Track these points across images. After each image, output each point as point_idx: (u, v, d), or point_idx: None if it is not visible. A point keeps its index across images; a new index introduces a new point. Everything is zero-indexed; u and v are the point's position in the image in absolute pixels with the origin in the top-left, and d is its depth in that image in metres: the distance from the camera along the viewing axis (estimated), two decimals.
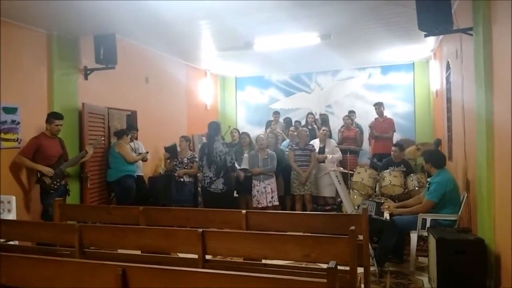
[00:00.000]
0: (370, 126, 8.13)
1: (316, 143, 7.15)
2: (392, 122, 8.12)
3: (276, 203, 6.23)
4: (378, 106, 8.15)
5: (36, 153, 4.95)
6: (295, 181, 6.60)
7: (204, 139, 8.23)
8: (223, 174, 5.69)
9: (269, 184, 6.18)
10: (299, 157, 6.64)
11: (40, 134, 5.09)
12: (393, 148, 6.35)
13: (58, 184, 5.03)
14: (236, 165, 6.21)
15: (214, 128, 5.86)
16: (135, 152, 6.37)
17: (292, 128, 7.51)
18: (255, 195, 6.19)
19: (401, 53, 8.29)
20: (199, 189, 6.41)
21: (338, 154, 7.11)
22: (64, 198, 4.89)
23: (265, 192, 6.14)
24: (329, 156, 6.99)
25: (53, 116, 5.09)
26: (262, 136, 6.55)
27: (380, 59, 8.98)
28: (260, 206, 6.08)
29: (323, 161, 6.91)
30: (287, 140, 7.53)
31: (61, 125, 5.13)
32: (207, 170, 5.70)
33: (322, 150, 7.04)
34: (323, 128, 7.46)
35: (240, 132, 7.54)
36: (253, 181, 6.24)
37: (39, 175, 4.94)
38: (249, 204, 6.41)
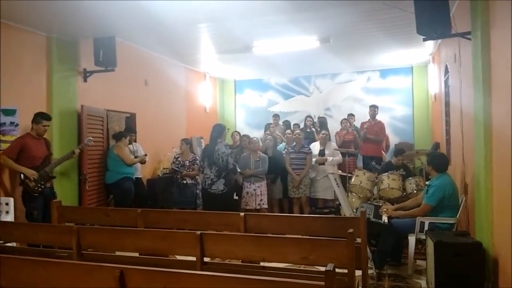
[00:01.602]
0: (366, 128, 8.02)
1: (316, 146, 7.17)
2: (383, 127, 8.10)
3: (265, 206, 6.20)
4: (373, 108, 8.12)
5: (21, 154, 4.73)
6: (290, 183, 6.68)
7: (203, 142, 8.25)
8: (224, 175, 5.70)
9: (259, 186, 6.18)
10: (294, 160, 6.70)
11: (25, 134, 4.89)
12: (399, 157, 6.33)
13: (42, 187, 4.82)
14: (237, 168, 6.22)
15: (218, 130, 5.85)
16: (134, 155, 6.36)
17: (288, 131, 7.51)
18: (244, 197, 6.20)
19: (400, 56, 8.31)
20: (198, 191, 6.43)
21: (339, 157, 7.12)
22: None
23: (255, 194, 6.15)
24: (329, 159, 7.00)
25: (40, 116, 4.88)
26: (255, 138, 6.59)
27: (379, 63, 8.99)
28: (247, 208, 6.08)
29: (323, 164, 6.92)
30: (283, 144, 7.53)
31: (48, 126, 4.95)
32: (208, 171, 5.70)
33: (322, 153, 7.05)
34: (323, 131, 7.45)
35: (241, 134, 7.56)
36: (244, 182, 6.25)
37: (22, 178, 4.72)
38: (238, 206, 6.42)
